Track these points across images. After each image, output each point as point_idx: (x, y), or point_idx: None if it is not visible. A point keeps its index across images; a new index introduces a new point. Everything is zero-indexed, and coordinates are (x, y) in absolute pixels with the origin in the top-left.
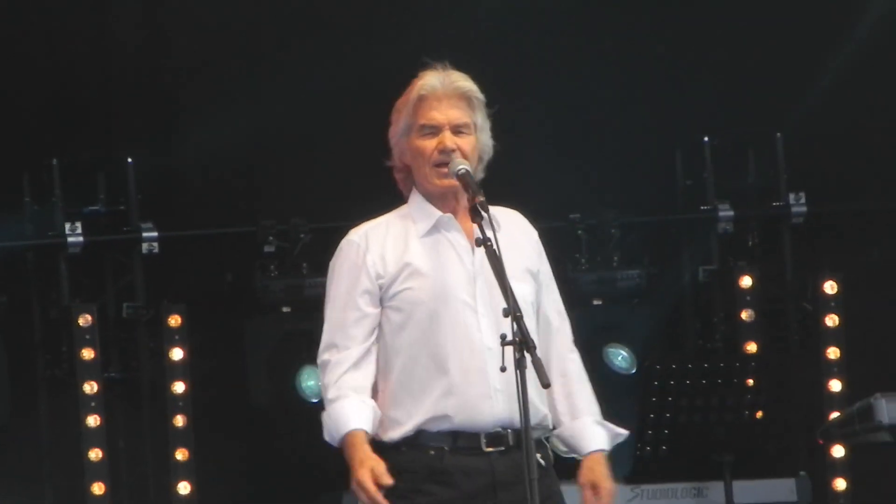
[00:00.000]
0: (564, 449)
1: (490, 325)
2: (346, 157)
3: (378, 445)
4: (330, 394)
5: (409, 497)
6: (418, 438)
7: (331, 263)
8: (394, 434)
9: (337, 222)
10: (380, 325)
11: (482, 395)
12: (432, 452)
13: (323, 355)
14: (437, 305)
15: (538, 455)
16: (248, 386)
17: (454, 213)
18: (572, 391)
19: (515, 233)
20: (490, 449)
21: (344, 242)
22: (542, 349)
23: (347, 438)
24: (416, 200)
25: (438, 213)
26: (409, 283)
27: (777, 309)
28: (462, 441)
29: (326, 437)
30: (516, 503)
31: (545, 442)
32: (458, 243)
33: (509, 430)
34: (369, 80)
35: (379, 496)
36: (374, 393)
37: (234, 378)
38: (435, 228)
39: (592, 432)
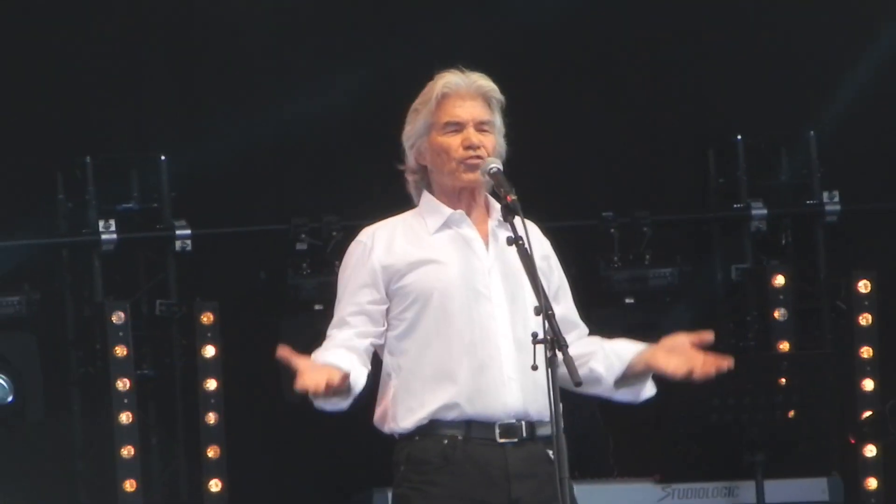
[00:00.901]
0: (629, 389)
1: (504, 315)
2: (378, 154)
3: (397, 438)
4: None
5: (423, 489)
6: (432, 427)
7: (341, 266)
8: (407, 423)
9: (369, 220)
10: (392, 316)
11: (496, 384)
12: (445, 441)
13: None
14: (451, 294)
15: (550, 451)
16: (280, 384)
17: (468, 211)
18: (599, 343)
19: (535, 242)
20: (504, 440)
21: (352, 244)
22: (583, 339)
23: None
24: (427, 201)
25: (449, 210)
26: (422, 273)
27: (810, 308)
28: (476, 431)
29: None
30: (528, 495)
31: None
32: (471, 238)
33: (523, 422)
34: (400, 78)
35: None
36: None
37: (267, 376)
38: (446, 225)
39: (624, 345)
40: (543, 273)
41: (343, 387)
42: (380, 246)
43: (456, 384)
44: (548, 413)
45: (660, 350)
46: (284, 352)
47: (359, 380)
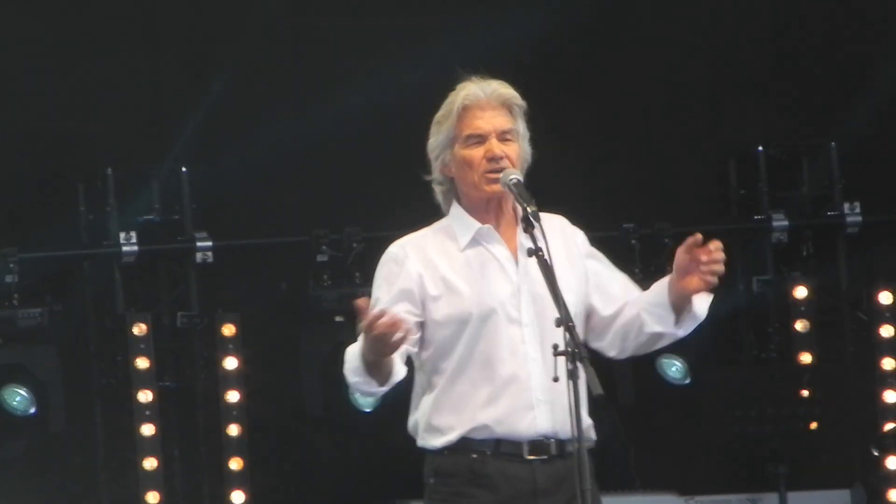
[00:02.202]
0: (689, 317)
1: (534, 337)
2: (399, 166)
3: (421, 451)
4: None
5: (450, 500)
6: (461, 444)
7: (375, 274)
8: (437, 443)
9: (389, 231)
10: (426, 335)
11: (525, 407)
12: (474, 456)
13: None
14: (482, 320)
15: None
16: (303, 395)
17: (497, 223)
18: (641, 304)
19: (559, 240)
20: (532, 457)
21: (385, 254)
22: (624, 312)
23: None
24: (456, 213)
25: (478, 224)
26: (454, 297)
27: (832, 319)
28: (504, 447)
29: (351, 379)
30: None
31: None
32: (501, 255)
33: (552, 440)
34: (420, 89)
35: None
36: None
37: (289, 387)
38: (475, 241)
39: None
40: (587, 271)
41: (402, 341)
42: (413, 259)
43: (485, 408)
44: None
45: (678, 277)
46: (362, 302)
47: (399, 372)
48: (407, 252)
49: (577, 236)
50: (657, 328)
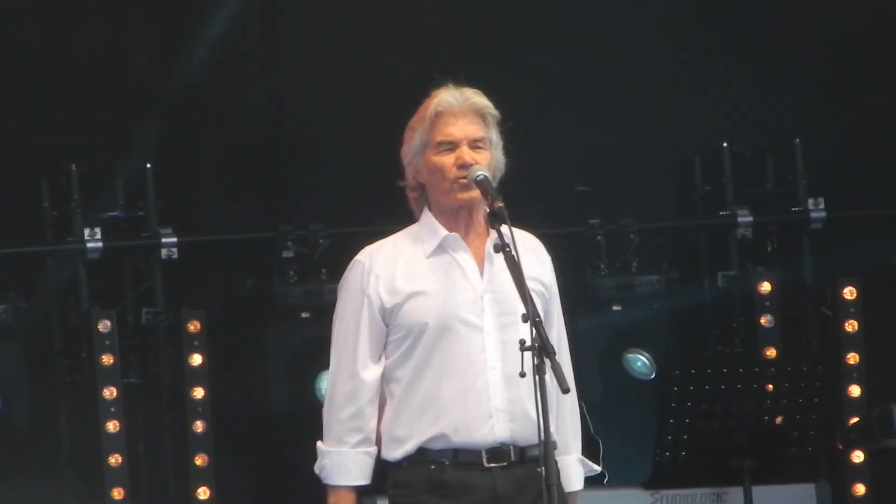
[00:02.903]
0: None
1: (495, 345)
2: (365, 162)
3: (381, 463)
4: (333, 431)
5: None
6: (419, 455)
7: (340, 283)
8: (396, 453)
9: (356, 227)
10: (387, 344)
11: (483, 416)
12: (433, 467)
13: (335, 385)
14: (442, 327)
15: (542, 468)
16: (268, 391)
17: (465, 231)
18: (565, 427)
19: (531, 255)
20: (492, 465)
21: (351, 264)
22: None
23: (339, 493)
24: (426, 220)
25: (445, 231)
26: (414, 304)
27: (796, 314)
28: (463, 457)
29: (317, 471)
30: None
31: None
32: (465, 263)
33: (511, 447)
34: (388, 86)
35: None
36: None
37: (254, 383)
38: (441, 248)
39: (576, 472)
40: (540, 296)
41: None
42: (378, 269)
43: (443, 417)
44: (535, 437)
45: None
46: None
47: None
48: (373, 261)
49: (549, 261)
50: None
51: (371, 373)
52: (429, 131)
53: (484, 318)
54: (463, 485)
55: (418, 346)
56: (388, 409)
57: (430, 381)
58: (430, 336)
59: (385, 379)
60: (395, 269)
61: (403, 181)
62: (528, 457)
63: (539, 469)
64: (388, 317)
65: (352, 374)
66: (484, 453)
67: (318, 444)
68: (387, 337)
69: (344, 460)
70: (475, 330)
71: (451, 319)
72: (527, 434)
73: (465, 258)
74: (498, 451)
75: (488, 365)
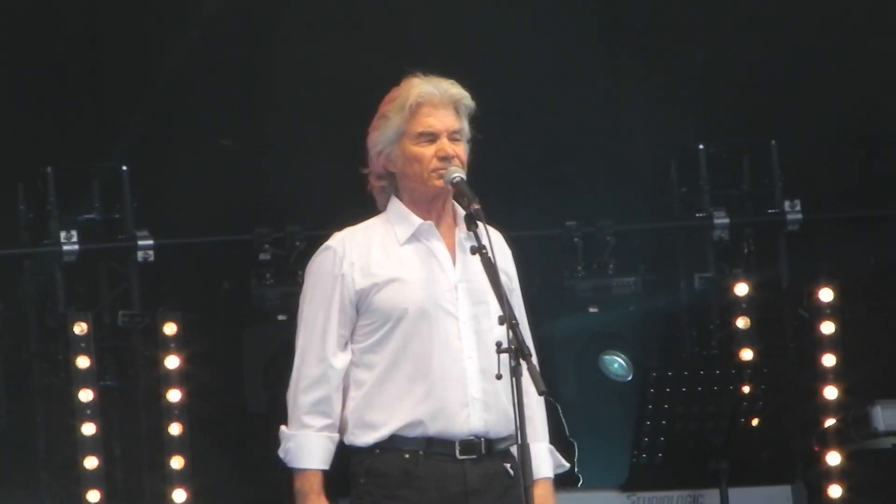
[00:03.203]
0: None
1: (471, 334)
2: (342, 164)
3: (351, 449)
4: (298, 414)
5: (382, 502)
6: (393, 442)
7: (308, 267)
8: (368, 438)
9: (332, 230)
10: (359, 328)
11: (459, 404)
12: (407, 456)
13: (302, 369)
14: (420, 313)
15: (507, 465)
16: (245, 394)
17: (437, 221)
18: (533, 415)
19: (496, 251)
20: (463, 457)
21: (321, 249)
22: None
23: (305, 476)
24: (395, 209)
25: (419, 220)
26: (391, 290)
27: (773, 316)
28: (436, 447)
29: (281, 454)
30: None
31: (513, 453)
32: (439, 251)
33: (482, 439)
34: (364, 87)
35: None
36: (344, 402)
37: (231, 386)
38: (415, 237)
39: (544, 459)
40: (505, 286)
41: None
42: (351, 255)
43: (420, 404)
44: (506, 431)
45: None
46: None
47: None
48: (346, 247)
49: (510, 257)
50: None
51: (340, 360)
52: (408, 121)
53: (459, 308)
54: (436, 477)
55: (396, 331)
56: (356, 395)
57: (408, 368)
58: (409, 322)
59: (353, 364)
60: (369, 255)
61: (366, 168)
62: (496, 451)
63: (506, 464)
64: (361, 303)
65: (321, 359)
66: (457, 444)
67: (282, 427)
68: (356, 322)
69: (307, 443)
70: (452, 318)
71: (430, 306)
72: (499, 427)
73: (438, 247)
74: (470, 444)
75: (465, 354)
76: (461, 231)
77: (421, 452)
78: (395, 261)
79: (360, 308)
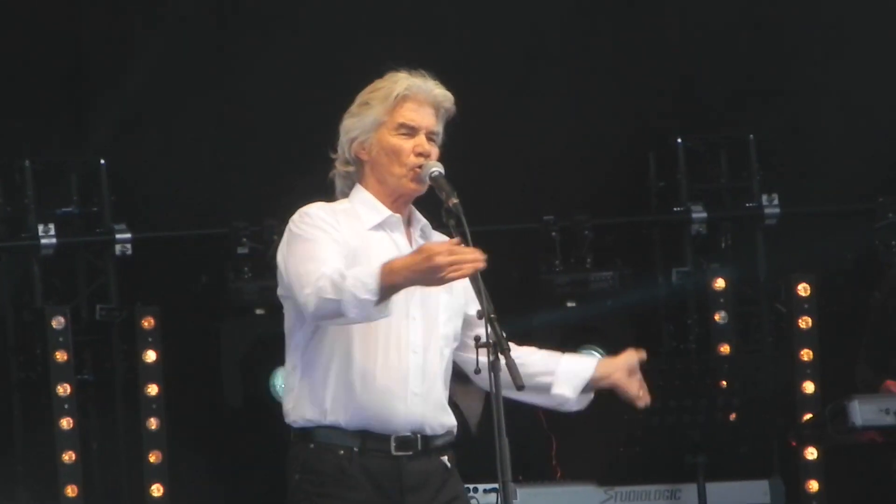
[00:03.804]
0: (567, 394)
1: (419, 330)
2: (320, 158)
3: (293, 439)
4: (334, 278)
5: (316, 501)
6: (328, 434)
7: (287, 230)
8: (308, 413)
9: None
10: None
11: (399, 397)
12: (341, 452)
13: (320, 281)
14: None
15: (444, 457)
16: (222, 388)
17: (400, 215)
18: (539, 353)
19: None
20: (399, 453)
21: (306, 208)
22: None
23: (387, 267)
24: (360, 195)
25: (388, 211)
26: (357, 266)
27: (750, 311)
28: (371, 443)
29: (361, 296)
30: None
31: (450, 447)
32: (402, 246)
33: (419, 436)
34: (341, 81)
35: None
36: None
37: (208, 380)
38: (381, 226)
39: (578, 358)
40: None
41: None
42: (330, 218)
43: (361, 391)
44: (443, 427)
45: (622, 371)
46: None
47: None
48: (327, 212)
49: None
50: (568, 394)
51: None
52: (390, 111)
53: (411, 303)
54: (370, 476)
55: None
56: (300, 376)
57: (353, 353)
58: None
59: (298, 347)
60: (344, 227)
61: (334, 153)
62: (433, 447)
63: (443, 458)
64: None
65: (323, 260)
66: (393, 440)
67: (321, 295)
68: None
69: (359, 275)
70: (402, 312)
71: None
72: (435, 423)
73: (401, 241)
74: (406, 440)
75: (411, 347)
76: (416, 231)
77: (356, 449)
78: (361, 244)
79: None
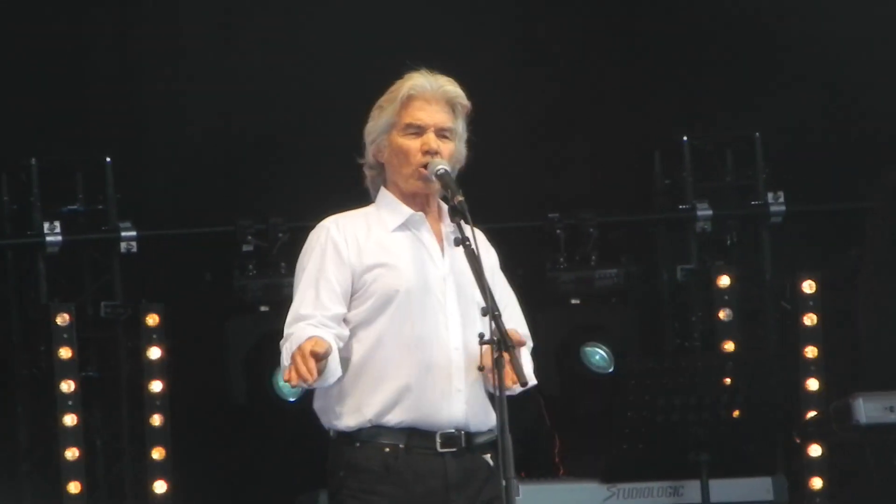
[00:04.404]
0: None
1: (457, 326)
2: (325, 155)
3: (335, 438)
4: (287, 331)
5: (361, 497)
6: (374, 433)
7: (303, 251)
8: (350, 421)
9: (315, 221)
10: (351, 303)
11: (443, 394)
12: (387, 450)
13: (288, 329)
14: (411, 299)
15: (487, 455)
16: (226, 385)
17: (423, 213)
18: (516, 326)
19: (481, 250)
20: (444, 450)
21: (316, 228)
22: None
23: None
24: (385, 198)
25: (410, 210)
26: (384, 273)
27: (755, 308)
28: (417, 440)
29: (286, 364)
30: (467, 502)
31: (491, 445)
32: (429, 243)
33: (462, 432)
34: (347, 78)
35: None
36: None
37: (212, 377)
38: (405, 226)
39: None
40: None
41: (327, 355)
42: (345, 233)
43: (405, 389)
44: (485, 424)
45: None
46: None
47: (335, 372)
48: (339, 225)
49: (494, 255)
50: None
51: (335, 306)
52: (398, 113)
53: (447, 298)
54: (416, 472)
55: (383, 315)
56: (342, 379)
57: (394, 351)
58: (397, 307)
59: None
60: (362, 238)
61: (362, 158)
62: (475, 444)
63: (485, 456)
64: (356, 279)
65: (314, 304)
66: (438, 437)
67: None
68: (351, 289)
69: (304, 329)
70: (441, 308)
71: (421, 292)
72: (478, 420)
73: (428, 238)
74: (450, 437)
75: (451, 344)
76: (446, 225)
77: (401, 446)
78: (386, 247)
79: (354, 286)
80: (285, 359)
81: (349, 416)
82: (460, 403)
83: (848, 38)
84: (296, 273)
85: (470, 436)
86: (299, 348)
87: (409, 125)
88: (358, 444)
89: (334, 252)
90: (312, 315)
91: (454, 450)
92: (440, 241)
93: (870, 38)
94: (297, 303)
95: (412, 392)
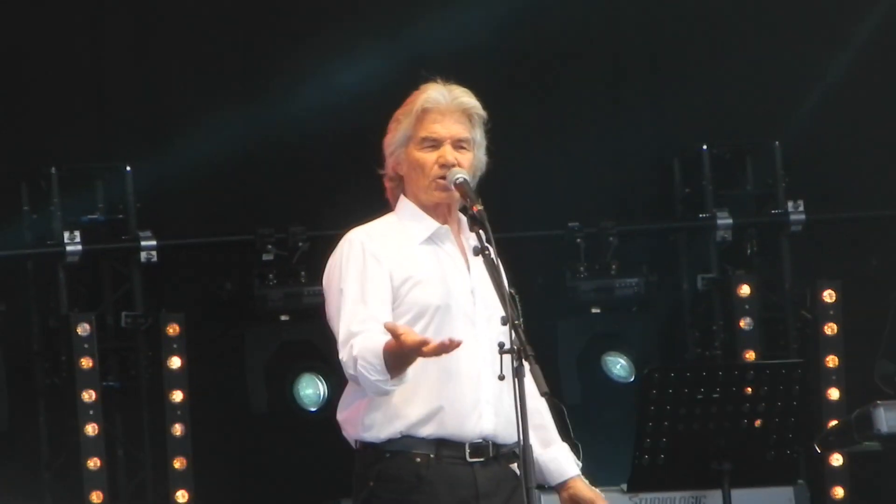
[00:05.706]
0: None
1: (485, 338)
2: (345, 164)
3: (363, 449)
4: (352, 353)
5: None
6: (404, 443)
7: (330, 263)
8: (380, 433)
9: (335, 230)
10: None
11: (472, 405)
12: (418, 460)
13: (343, 350)
14: (444, 311)
15: (513, 465)
16: (247, 394)
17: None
18: (545, 423)
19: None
20: (473, 459)
21: (344, 241)
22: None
23: (386, 345)
24: (407, 209)
25: (436, 223)
26: (417, 287)
27: (776, 317)
28: (447, 450)
29: (371, 377)
30: None
31: (516, 455)
32: (455, 256)
33: (490, 443)
34: (367, 88)
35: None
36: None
37: (233, 386)
38: (431, 239)
39: (569, 458)
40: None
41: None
42: (379, 244)
43: (435, 401)
44: (512, 435)
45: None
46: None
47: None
48: (369, 236)
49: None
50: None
51: (385, 314)
52: (414, 126)
53: (476, 311)
54: (446, 481)
55: (417, 327)
56: None
57: (426, 364)
58: (431, 318)
59: None
60: (393, 250)
61: (383, 169)
62: (502, 454)
63: (512, 465)
64: (395, 290)
65: (364, 319)
66: (467, 447)
67: (346, 370)
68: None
69: (373, 336)
70: (469, 320)
71: (452, 305)
72: (506, 432)
73: (453, 251)
74: (479, 447)
75: (479, 356)
76: (467, 237)
77: (432, 456)
78: (417, 260)
79: (393, 294)
80: (365, 370)
81: (379, 427)
82: (489, 415)
83: (867, 45)
84: (330, 287)
85: (497, 446)
86: (398, 337)
87: (425, 139)
88: (388, 455)
89: (375, 263)
90: (370, 327)
91: (482, 459)
92: (464, 253)
93: (889, 44)
94: (349, 318)
95: (444, 405)
